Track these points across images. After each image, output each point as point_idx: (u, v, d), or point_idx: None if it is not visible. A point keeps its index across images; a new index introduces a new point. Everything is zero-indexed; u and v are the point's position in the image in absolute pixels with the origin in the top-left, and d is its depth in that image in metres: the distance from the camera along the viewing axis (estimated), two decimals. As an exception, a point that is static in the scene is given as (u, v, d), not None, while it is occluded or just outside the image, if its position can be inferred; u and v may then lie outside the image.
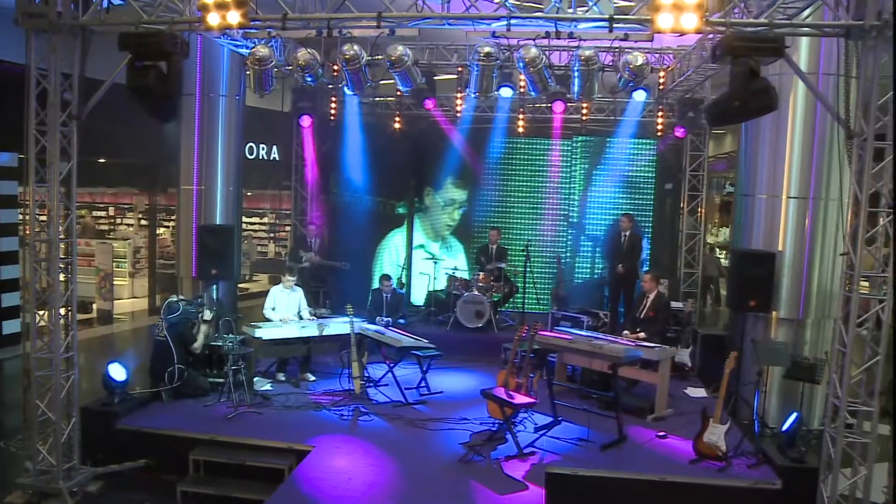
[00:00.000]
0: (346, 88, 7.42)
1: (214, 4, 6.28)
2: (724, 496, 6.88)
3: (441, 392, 9.32)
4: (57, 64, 6.75)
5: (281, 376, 9.57)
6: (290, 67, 7.24)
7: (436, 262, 12.77)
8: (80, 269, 15.55)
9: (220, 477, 7.13)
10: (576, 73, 7.02)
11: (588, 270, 13.16)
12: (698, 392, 9.78)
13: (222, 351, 8.52)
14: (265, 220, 22.88)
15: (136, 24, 6.65)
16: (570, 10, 5.95)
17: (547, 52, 8.18)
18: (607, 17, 5.89)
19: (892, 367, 6.65)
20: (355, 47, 6.94)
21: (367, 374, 9.34)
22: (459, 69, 9.95)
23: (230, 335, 8.66)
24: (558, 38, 6.29)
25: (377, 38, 7.63)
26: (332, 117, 12.68)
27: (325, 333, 9.32)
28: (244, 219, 19.77)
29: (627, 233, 11.63)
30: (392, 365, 9.13)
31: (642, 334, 9.26)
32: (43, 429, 6.96)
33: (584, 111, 12.41)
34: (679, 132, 11.92)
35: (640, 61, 6.97)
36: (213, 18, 6.35)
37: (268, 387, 9.12)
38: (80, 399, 7.38)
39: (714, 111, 6.53)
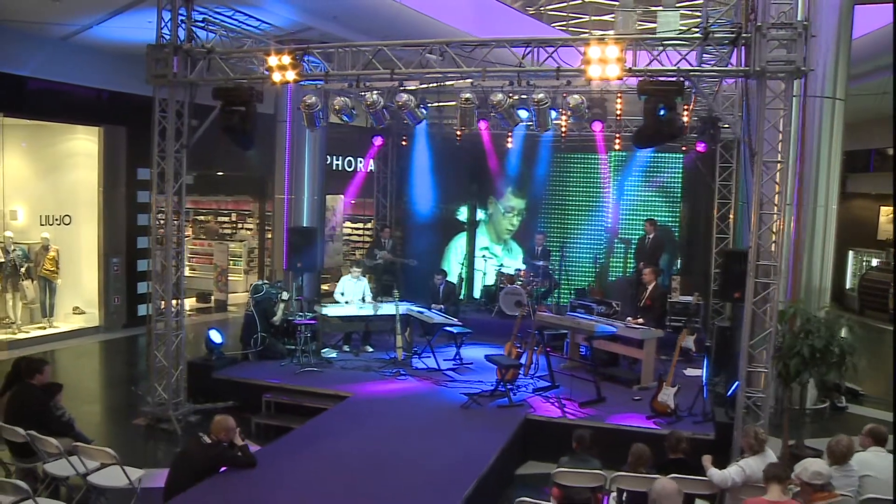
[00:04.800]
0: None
1: (277, 66, 8.71)
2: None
3: (472, 363, 11.37)
4: (174, 108, 9.37)
5: (346, 347, 11.94)
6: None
7: (486, 260, 14.90)
8: (200, 266, 18.71)
9: (284, 413, 9.54)
10: (532, 111, 8.98)
11: (621, 269, 14.89)
12: (695, 372, 11.37)
13: (294, 323, 10.98)
14: (368, 225, 25.55)
15: (225, 80, 9.17)
16: (529, 64, 7.99)
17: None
18: (555, 69, 7.87)
19: None
20: (374, 95, 9.21)
21: (415, 348, 11.56)
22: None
23: (303, 312, 11.11)
24: (519, 86, 8.33)
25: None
26: (403, 138, 15.05)
27: (378, 313, 11.59)
28: (348, 224, 22.53)
29: (651, 235, 13.34)
30: (431, 339, 11.31)
31: (640, 320, 11.00)
32: (159, 373, 9.60)
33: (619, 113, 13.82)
34: (700, 147, 13.46)
35: (574, 102, 8.82)
36: (277, 76, 8.79)
37: (333, 354, 11.49)
38: (188, 356, 10.00)
39: (637, 136, 8.30)
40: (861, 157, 22.13)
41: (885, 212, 21.99)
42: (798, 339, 7.73)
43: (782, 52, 7.44)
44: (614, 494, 6.60)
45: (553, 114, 10.89)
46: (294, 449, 7.67)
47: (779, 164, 7.63)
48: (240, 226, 23.53)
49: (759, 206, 7.71)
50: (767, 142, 7.64)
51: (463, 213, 16.19)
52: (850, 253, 22.01)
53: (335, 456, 7.51)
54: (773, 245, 7.83)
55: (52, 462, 6.81)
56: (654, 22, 15.22)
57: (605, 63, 7.51)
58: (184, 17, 9.21)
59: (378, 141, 14.37)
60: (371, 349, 11.98)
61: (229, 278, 18.36)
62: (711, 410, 9.08)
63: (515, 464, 8.58)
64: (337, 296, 12.12)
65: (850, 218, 22.20)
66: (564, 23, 21.93)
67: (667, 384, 9.07)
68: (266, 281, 11.58)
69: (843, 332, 8.18)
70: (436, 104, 13.57)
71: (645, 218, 14.00)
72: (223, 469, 6.70)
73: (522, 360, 10.27)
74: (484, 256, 15.11)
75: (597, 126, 12.83)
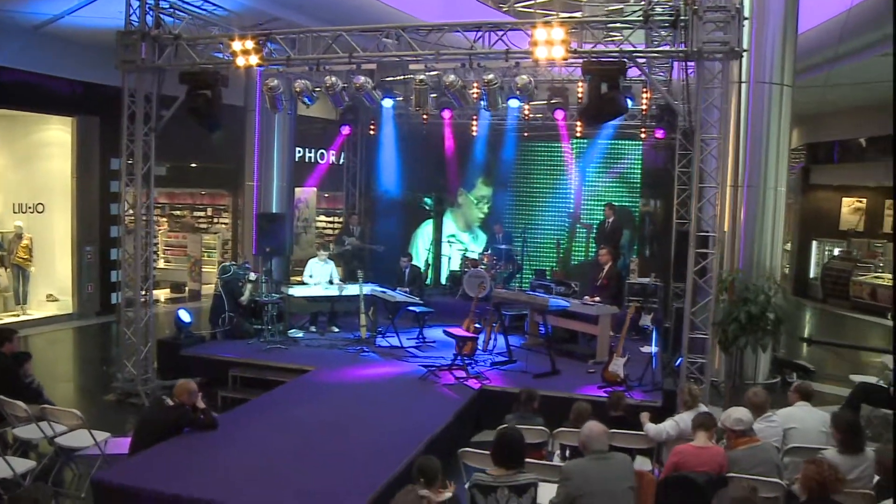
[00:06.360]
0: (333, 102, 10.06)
1: (241, 51, 9.04)
2: (616, 409, 8.98)
3: (434, 342, 11.71)
4: (142, 93, 9.67)
5: (312, 328, 12.27)
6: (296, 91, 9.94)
7: (451, 245, 15.33)
8: (174, 258, 18.86)
9: (249, 388, 9.85)
10: (483, 91, 9.38)
11: (583, 253, 15.35)
12: (649, 349, 11.78)
13: (260, 302, 11.28)
14: (341, 218, 25.80)
15: (191, 64, 9.48)
16: (481, 47, 8.40)
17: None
18: (504, 51, 8.27)
19: None
20: (333, 78, 9.56)
21: (379, 328, 11.91)
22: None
23: (269, 293, 11.44)
24: (471, 67, 8.73)
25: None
26: (371, 125, 15.41)
27: (343, 293, 11.94)
28: (323, 217, 22.80)
29: (610, 220, 13.78)
30: (394, 318, 11.65)
31: (597, 298, 11.41)
32: (128, 350, 9.90)
33: (580, 97, 14.11)
34: (659, 133, 13.89)
35: (522, 82, 9.22)
36: (241, 61, 9.12)
37: (300, 334, 11.81)
38: (158, 336, 10.27)
39: (583, 115, 8.71)
40: (824, 149, 22.72)
41: (847, 203, 22.62)
42: (736, 306, 8.16)
43: (719, 35, 7.87)
44: (558, 452, 7.00)
45: (516, 102, 11.29)
46: (253, 414, 7.99)
47: (717, 141, 8.05)
48: (215, 220, 23.77)
49: (698, 179, 8.13)
50: (706, 119, 8.06)
51: (429, 201, 16.56)
52: (814, 243, 22.62)
53: (292, 421, 7.80)
54: (714, 217, 8.24)
55: (22, 427, 7.11)
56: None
57: (550, 45, 7.91)
58: (151, 5, 9.50)
59: (346, 130, 14.70)
60: (337, 330, 12.31)
61: (203, 269, 18.59)
62: (661, 380, 9.50)
63: (471, 432, 8.93)
64: (305, 278, 12.46)
65: (813, 209, 22.87)
66: (532, 21, 22.31)
67: (617, 355, 9.48)
68: (233, 262, 11.90)
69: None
70: (402, 97, 13.90)
71: (604, 203, 14.46)
72: (186, 430, 7.01)
73: (481, 336, 10.68)
74: (450, 242, 15.54)
75: (559, 114, 13.23)
